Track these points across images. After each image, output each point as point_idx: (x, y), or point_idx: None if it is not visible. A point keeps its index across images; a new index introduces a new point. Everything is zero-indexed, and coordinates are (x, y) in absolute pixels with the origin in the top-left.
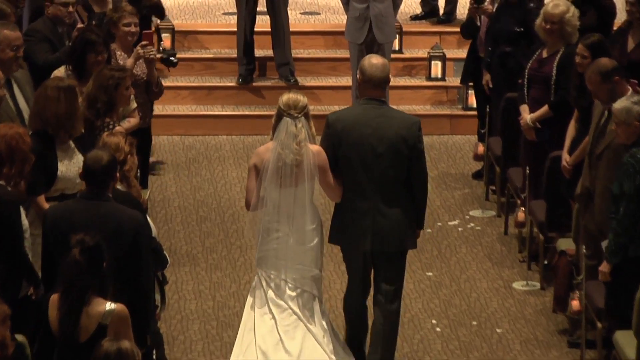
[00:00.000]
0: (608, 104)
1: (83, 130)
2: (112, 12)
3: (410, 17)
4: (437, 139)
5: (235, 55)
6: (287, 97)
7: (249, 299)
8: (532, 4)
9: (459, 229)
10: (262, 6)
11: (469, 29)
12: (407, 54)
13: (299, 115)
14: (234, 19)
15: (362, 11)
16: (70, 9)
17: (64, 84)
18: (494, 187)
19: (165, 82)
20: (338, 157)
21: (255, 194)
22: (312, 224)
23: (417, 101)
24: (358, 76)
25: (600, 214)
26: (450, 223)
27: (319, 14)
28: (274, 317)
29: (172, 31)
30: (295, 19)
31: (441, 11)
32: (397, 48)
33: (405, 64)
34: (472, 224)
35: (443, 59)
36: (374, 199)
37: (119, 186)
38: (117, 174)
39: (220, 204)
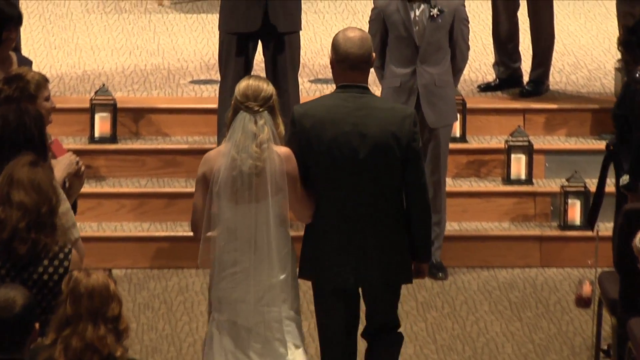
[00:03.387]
0: None
1: None
2: (19, 81)
3: (479, 86)
4: (521, 273)
5: (211, 145)
6: (245, 83)
7: (206, 355)
8: None
9: None
10: (257, 69)
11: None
12: (473, 143)
13: (261, 109)
14: (208, 90)
15: (404, 79)
16: None
17: None
18: (607, 347)
19: (102, 187)
20: (308, 163)
21: (206, 214)
22: (280, 251)
23: (489, 215)
24: (330, 55)
25: None
26: None
27: None
28: None
29: (113, 108)
30: (304, 90)
31: (526, 77)
32: (458, 135)
33: (471, 158)
34: None
35: (529, 150)
36: (355, 219)
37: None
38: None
39: None
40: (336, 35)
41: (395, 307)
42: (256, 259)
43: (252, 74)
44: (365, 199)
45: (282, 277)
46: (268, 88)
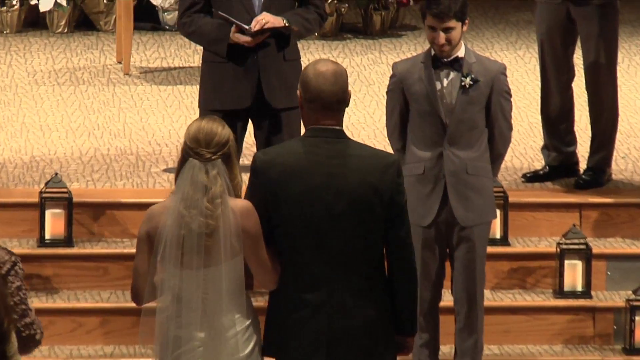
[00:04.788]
0: None
1: None
2: None
3: (524, 175)
4: None
5: None
6: (196, 126)
7: None
8: None
9: None
10: (247, 153)
11: None
12: (517, 246)
13: (214, 157)
14: None
15: (429, 164)
16: None
17: None
18: None
19: (55, 301)
20: (272, 221)
21: (149, 280)
22: (237, 325)
23: (537, 337)
24: (299, 92)
25: None
26: None
27: None
28: None
29: (68, 203)
30: None
31: (583, 165)
32: (498, 236)
33: (515, 266)
34: None
35: (587, 256)
36: (329, 287)
37: None
38: None
39: None
40: (305, 69)
41: None
42: (210, 334)
43: (240, 158)
44: (339, 263)
45: (243, 354)
46: (223, 132)
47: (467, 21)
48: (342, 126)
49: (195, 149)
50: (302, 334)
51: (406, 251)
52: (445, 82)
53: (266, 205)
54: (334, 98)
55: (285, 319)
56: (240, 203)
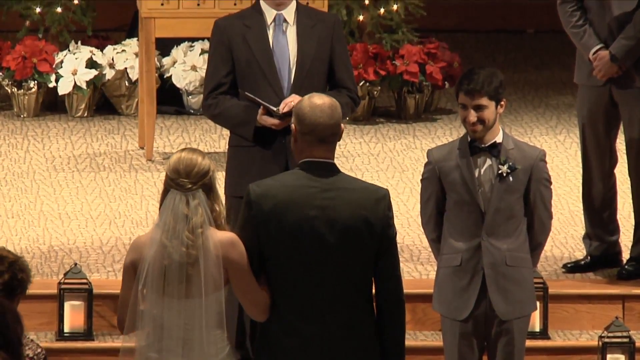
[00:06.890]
0: None
1: None
2: (19, 270)
3: (565, 266)
4: None
5: None
6: (176, 157)
7: None
8: None
9: None
10: None
11: None
12: (557, 340)
13: (194, 187)
14: None
15: (466, 256)
16: None
17: None
18: None
19: None
20: (265, 253)
21: (130, 309)
22: (217, 356)
23: None
24: (292, 126)
25: None
26: None
27: None
28: None
29: (88, 295)
30: None
31: (626, 254)
32: (537, 329)
33: (555, 359)
34: None
35: (630, 350)
36: (322, 318)
37: None
38: None
39: None
40: (300, 102)
41: None
42: None
43: None
44: (332, 295)
45: None
46: (203, 162)
47: (502, 103)
48: (334, 159)
49: (175, 179)
50: None
51: (395, 282)
52: (482, 169)
53: (258, 237)
54: (329, 131)
55: (276, 351)
56: (224, 235)
